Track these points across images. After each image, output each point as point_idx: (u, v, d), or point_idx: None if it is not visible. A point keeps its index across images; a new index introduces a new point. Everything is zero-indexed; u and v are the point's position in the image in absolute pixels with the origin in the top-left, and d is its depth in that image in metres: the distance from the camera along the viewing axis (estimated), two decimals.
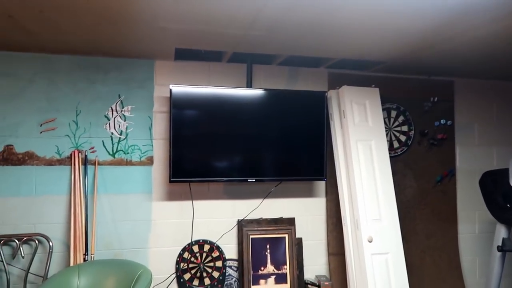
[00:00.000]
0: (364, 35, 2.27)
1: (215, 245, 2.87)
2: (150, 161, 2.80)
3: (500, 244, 2.81)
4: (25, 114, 2.61)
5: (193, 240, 2.84)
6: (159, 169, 2.81)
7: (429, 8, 1.86)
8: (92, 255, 2.59)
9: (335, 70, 3.13)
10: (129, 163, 2.76)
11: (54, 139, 2.65)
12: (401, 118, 3.26)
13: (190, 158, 2.69)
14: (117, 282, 2.34)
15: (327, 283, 2.86)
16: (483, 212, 3.24)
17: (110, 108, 2.75)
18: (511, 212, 2.73)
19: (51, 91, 2.66)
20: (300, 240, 3.00)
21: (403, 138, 3.25)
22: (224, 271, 2.86)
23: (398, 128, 3.25)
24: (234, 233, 2.93)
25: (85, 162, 2.67)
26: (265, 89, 2.81)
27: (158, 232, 2.80)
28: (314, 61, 2.93)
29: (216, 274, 2.84)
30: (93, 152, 2.71)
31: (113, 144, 2.74)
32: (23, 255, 2.51)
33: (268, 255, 2.88)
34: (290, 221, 2.98)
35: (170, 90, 2.61)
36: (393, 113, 3.24)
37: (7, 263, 2.49)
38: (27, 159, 2.61)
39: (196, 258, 2.83)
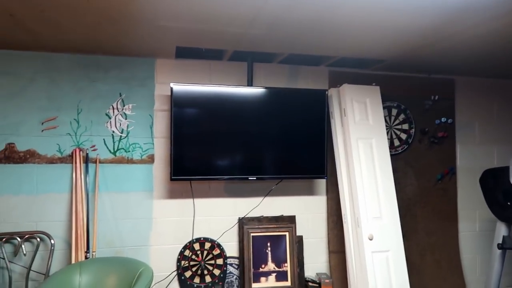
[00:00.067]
0: (364, 33, 2.27)
1: (216, 243, 2.88)
2: (151, 159, 2.80)
3: (500, 242, 2.81)
4: (27, 113, 2.62)
5: (194, 238, 2.85)
6: (160, 168, 2.81)
7: (429, 6, 1.86)
8: (94, 253, 2.61)
9: (336, 68, 3.13)
10: (130, 161, 2.77)
11: (56, 137, 2.66)
12: (401, 116, 3.26)
13: (191, 157, 2.69)
14: (119, 279, 2.35)
15: (327, 280, 2.87)
16: (483, 210, 3.24)
17: (111, 107, 2.76)
18: (511, 210, 2.73)
19: (52, 89, 2.66)
20: (300, 238, 3.01)
21: (403, 136, 3.25)
22: (225, 268, 2.87)
23: (399, 126, 3.25)
24: (235, 231, 2.93)
25: (86, 160, 2.68)
26: (265, 88, 2.81)
27: (159, 230, 2.81)
28: (315, 60, 2.93)
29: (217, 271, 2.85)
30: (94, 150, 2.72)
31: (114, 142, 2.75)
32: (25, 252, 2.52)
33: (269, 253, 2.89)
34: (291, 219, 2.98)
35: (171, 89, 2.62)
36: (394, 111, 3.25)
37: (9, 261, 2.50)
38: (29, 157, 2.62)
39: (197, 256, 2.84)
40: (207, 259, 2.85)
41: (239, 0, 1.80)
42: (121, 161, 2.75)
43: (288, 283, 2.85)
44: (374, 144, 2.84)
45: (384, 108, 3.15)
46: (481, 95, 3.48)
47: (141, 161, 2.79)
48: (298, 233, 3.00)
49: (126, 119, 2.78)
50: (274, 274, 2.86)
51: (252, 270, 2.82)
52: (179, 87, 2.64)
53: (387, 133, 3.17)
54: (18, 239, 2.52)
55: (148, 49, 2.61)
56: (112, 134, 2.75)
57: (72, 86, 2.69)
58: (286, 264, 2.89)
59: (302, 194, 3.07)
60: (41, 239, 2.58)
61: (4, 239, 2.51)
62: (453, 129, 3.37)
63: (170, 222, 2.83)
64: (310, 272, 3.03)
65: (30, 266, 2.53)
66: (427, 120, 3.30)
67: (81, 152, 2.67)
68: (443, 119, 3.32)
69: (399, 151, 3.23)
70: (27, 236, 2.55)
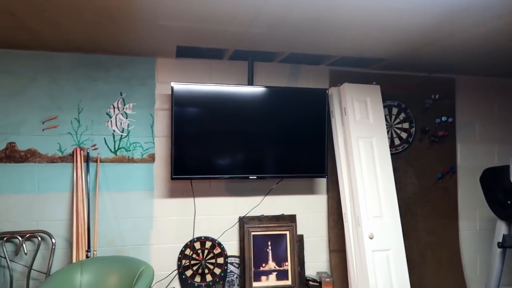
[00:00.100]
0: (365, 32, 2.28)
1: (217, 242, 2.89)
2: (151, 158, 2.81)
3: (500, 240, 2.81)
4: (27, 112, 2.63)
5: (194, 237, 2.86)
6: (160, 167, 2.82)
7: (429, 5, 1.86)
8: (95, 252, 2.61)
9: (336, 67, 3.13)
10: (131, 160, 2.77)
11: (56, 136, 2.66)
12: (402, 115, 3.26)
13: (191, 156, 2.70)
14: (120, 278, 2.35)
15: (328, 279, 2.87)
16: (483, 209, 3.24)
17: (112, 106, 2.76)
18: (511, 209, 2.73)
19: (52, 89, 2.67)
20: (301, 237, 3.01)
21: (404, 135, 3.25)
22: (225, 267, 2.88)
23: (399, 125, 3.25)
24: (235, 230, 2.94)
25: (87, 159, 2.69)
26: (266, 87, 2.81)
27: (160, 229, 2.81)
28: (315, 59, 2.93)
29: (217, 270, 2.85)
30: (95, 149, 2.72)
31: (115, 141, 2.75)
32: (26, 251, 2.53)
33: (270, 252, 2.89)
34: (291, 218, 2.99)
35: (172, 88, 2.62)
36: (394, 110, 3.25)
37: (10, 260, 2.51)
38: (30, 156, 2.62)
39: (197, 254, 2.84)
40: (207, 258, 2.86)
41: None
42: (121, 160, 2.76)
43: (289, 282, 2.86)
44: (374, 143, 2.84)
45: (384, 107, 3.15)
46: (481, 94, 3.48)
47: (142, 160, 2.79)
48: (298, 232, 3.00)
49: (126, 118, 2.78)
50: (274, 273, 2.86)
51: (252, 269, 2.83)
52: (180, 86, 2.64)
53: (388, 132, 3.17)
54: (19, 238, 2.53)
55: (149, 48, 2.61)
56: (113, 133, 2.76)
57: (73, 85, 2.70)
58: (286, 263, 2.89)
59: (303, 193, 3.07)
60: (42, 238, 2.59)
61: (5, 238, 2.52)
62: (453, 128, 3.37)
63: (171, 221, 2.83)
64: (310, 271, 3.03)
65: (31, 265, 2.53)
66: (428, 119, 3.30)
67: (82, 151, 2.68)
68: (443, 118, 3.32)
69: (400, 150, 3.24)
70: (28, 235, 2.56)
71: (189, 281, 2.80)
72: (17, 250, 2.55)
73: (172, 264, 2.82)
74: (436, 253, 3.25)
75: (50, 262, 2.53)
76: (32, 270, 2.53)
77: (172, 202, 2.84)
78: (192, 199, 2.86)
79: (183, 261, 2.82)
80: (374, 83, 3.00)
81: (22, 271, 2.56)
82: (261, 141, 2.81)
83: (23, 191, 2.61)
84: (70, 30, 2.24)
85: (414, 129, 3.27)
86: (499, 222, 2.85)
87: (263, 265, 2.86)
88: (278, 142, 2.83)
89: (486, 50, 2.62)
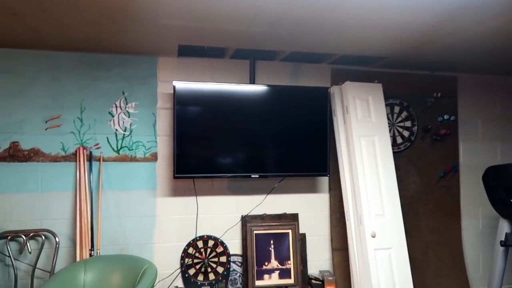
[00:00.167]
0: (365, 31, 2.27)
1: (219, 240, 2.89)
2: (154, 157, 2.81)
3: (503, 239, 2.81)
4: (30, 111, 2.64)
5: (197, 235, 2.87)
6: (163, 165, 2.83)
7: (428, 3, 1.86)
8: (98, 251, 2.62)
9: (338, 66, 3.13)
10: (133, 159, 2.78)
11: (59, 135, 2.67)
12: (404, 114, 3.25)
13: (194, 154, 2.70)
14: (123, 277, 2.37)
15: (330, 278, 2.87)
16: (486, 208, 3.24)
17: (114, 105, 2.77)
18: None
19: (55, 88, 2.67)
20: (303, 236, 3.02)
21: (406, 133, 3.25)
22: (228, 266, 2.88)
23: (401, 124, 3.25)
24: (238, 228, 2.95)
25: (90, 158, 2.70)
26: (268, 85, 2.81)
27: (162, 228, 2.82)
28: (317, 57, 2.93)
29: (220, 269, 2.86)
30: (97, 148, 2.73)
31: (117, 140, 2.76)
32: (30, 250, 2.54)
33: (272, 250, 2.90)
34: (294, 217, 2.99)
35: (174, 87, 2.62)
36: (396, 109, 3.24)
37: (14, 259, 2.52)
38: (33, 155, 2.63)
39: (200, 253, 2.85)
40: (210, 256, 2.87)
41: None
42: (124, 159, 2.77)
43: (291, 281, 2.86)
44: (376, 141, 2.84)
45: (386, 105, 3.15)
46: (484, 92, 3.47)
47: (144, 159, 2.80)
48: (301, 231, 3.00)
49: (129, 117, 2.79)
50: (277, 272, 2.87)
51: (255, 267, 2.83)
52: (182, 85, 2.64)
53: (390, 130, 3.17)
54: (23, 237, 2.54)
55: (150, 47, 2.62)
56: (115, 132, 2.76)
57: (75, 85, 2.70)
58: (289, 262, 2.90)
59: (305, 192, 3.07)
60: (46, 237, 2.60)
61: (9, 237, 2.53)
62: (455, 126, 3.36)
63: (174, 220, 2.84)
64: (313, 269, 3.04)
65: (35, 264, 2.55)
66: (430, 118, 3.29)
67: (84, 150, 2.69)
68: (445, 117, 3.31)
69: (402, 149, 3.23)
70: (32, 234, 2.57)
71: (192, 280, 2.81)
72: (21, 249, 2.56)
73: (175, 263, 2.83)
74: (439, 251, 3.24)
75: (54, 260, 2.55)
76: (36, 269, 2.55)
77: (174, 201, 2.85)
78: (194, 198, 2.87)
79: (186, 260, 2.83)
80: (376, 81, 3.00)
81: (26, 270, 2.58)
82: (263, 139, 2.81)
83: (26, 190, 2.62)
84: (71, 30, 2.25)
85: (416, 127, 3.26)
86: (502, 221, 2.84)
87: (266, 263, 2.87)
88: (280, 140, 2.83)
89: (487, 48, 2.61)
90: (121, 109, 2.78)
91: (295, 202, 3.04)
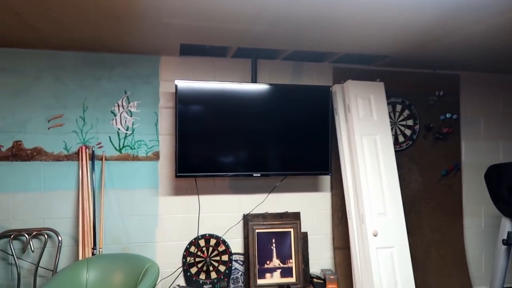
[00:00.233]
0: (365, 29, 2.27)
1: (221, 239, 2.90)
2: (156, 156, 2.82)
3: (505, 237, 2.80)
4: (33, 111, 2.65)
5: (199, 234, 2.87)
6: (165, 164, 2.83)
7: (428, 1, 1.86)
8: (100, 249, 2.63)
9: (340, 64, 3.12)
10: (135, 158, 2.79)
11: (62, 135, 2.68)
12: (406, 112, 3.25)
13: (195, 153, 2.71)
14: (125, 275, 2.37)
15: (332, 277, 2.88)
16: (488, 206, 3.24)
17: (116, 104, 2.77)
18: None
19: (57, 87, 2.68)
20: (305, 234, 3.02)
21: (408, 132, 3.24)
22: (230, 265, 2.89)
23: (403, 122, 3.24)
24: (240, 227, 2.95)
25: (92, 157, 2.70)
26: (270, 84, 2.81)
27: (164, 226, 2.83)
28: (319, 56, 2.93)
29: (222, 268, 2.87)
30: (100, 147, 2.74)
31: (119, 139, 2.77)
32: (33, 249, 2.55)
33: (274, 249, 2.90)
34: (296, 216, 3.00)
35: (176, 86, 2.63)
36: (398, 107, 3.24)
37: (17, 257, 2.54)
38: (36, 154, 2.64)
39: (202, 252, 2.86)
40: (212, 255, 2.87)
41: None
42: (126, 158, 2.77)
43: (293, 279, 2.87)
44: (378, 140, 2.84)
45: (388, 104, 3.14)
46: (486, 90, 3.46)
47: (147, 158, 2.80)
48: (302, 230, 3.01)
49: (131, 116, 2.80)
50: (279, 270, 2.87)
51: (257, 266, 2.84)
52: (184, 84, 2.64)
53: (392, 129, 3.16)
54: (26, 236, 2.56)
55: (153, 46, 2.62)
56: (118, 132, 2.77)
57: (78, 84, 2.71)
58: (291, 261, 2.90)
59: (307, 191, 3.08)
60: (48, 235, 2.61)
61: (12, 236, 2.54)
62: (458, 124, 3.35)
63: (176, 218, 2.85)
64: (315, 268, 3.04)
65: (38, 262, 2.56)
66: (432, 116, 3.29)
67: (87, 149, 2.70)
68: (448, 115, 3.30)
69: (404, 147, 3.23)
70: (35, 233, 2.58)
71: (194, 279, 2.82)
72: (24, 248, 2.57)
73: (177, 262, 2.84)
74: (441, 250, 3.24)
75: (57, 259, 2.56)
76: (39, 268, 2.56)
77: (176, 199, 2.85)
78: (196, 196, 2.87)
79: (188, 259, 2.83)
80: (378, 80, 2.99)
81: (29, 268, 2.59)
82: (265, 138, 2.81)
83: (29, 189, 2.63)
84: (74, 29, 2.25)
85: (418, 126, 3.26)
86: (504, 219, 2.84)
87: (268, 262, 2.87)
88: (281, 139, 2.83)
89: (488, 47, 2.61)
90: (123, 108, 2.78)
91: (297, 201, 3.05)
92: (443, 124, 3.31)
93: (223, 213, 2.92)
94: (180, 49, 2.69)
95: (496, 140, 3.47)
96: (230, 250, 2.91)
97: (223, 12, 2.00)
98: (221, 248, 2.89)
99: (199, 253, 2.86)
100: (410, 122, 3.25)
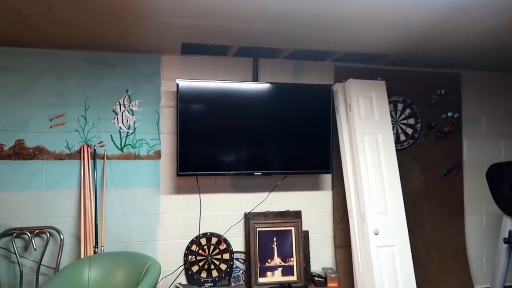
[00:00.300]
0: (366, 28, 2.27)
1: (223, 237, 2.91)
2: (157, 155, 2.83)
3: (506, 236, 2.80)
4: (35, 110, 2.65)
5: (200, 233, 2.88)
6: (166, 163, 2.84)
7: (427, 1, 1.86)
8: (102, 248, 2.64)
9: (341, 63, 3.12)
10: (137, 157, 2.80)
11: (64, 133, 2.69)
12: (407, 111, 3.25)
13: (197, 152, 2.71)
14: (127, 274, 2.38)
15: (333, 275, 2.88)
16: (490, 205, 3.23)
17: (118, 103, 2.78)
18: None
19: (59, 86, 2.69)
20: (306, 233, 3.02)
21: (409, 131, 3.24)
22: (231, 263, 2.90)
23: (405, 121, 3.24)
24: (241, 226, 2.96)
25: (94, 156, 2.71)
26: (271, 83, 2.81)
27: (166, 225, 2.84)
28: (320, 55, 2.93)
29: (223, 266, 2.87)
30: (101, 146, 2.74)
31: (121, 138, 2.78)
32: (35, 247, 2.57)
33: (275, 247, 2.91)
34: (297, 214, 3.00)
35: (177, 85, 2.63)
36: (400, 106, 3.24)
37: (19, 255, 2.55)
38: (38, 153, 2.65)
39: (203, 250, 2.87)
40: (213, 253, 2.88)
41: None
42: (128, 157, 2.78)
43: (294, 278, 2.87)
44: (379, 139, 2.84)
45: (389, 102, 3.14)
46: (488, 89, 3.45)
47: (148, 157, 2.81)
48: (304, 228, 3.01)
49: (132, 115, 2.80)
50: (280, 269, 2.88)
51: (258, 264, 2.85)
52: (185, 83, 2.65)
53: (393, 128, 3.16)
54: (28, 234, 2.57)
55: (154, 45, 2.63)
56: (119, 130, 2.78)
57: (80, 83, 2.72)
58: (292, 259, 2.90)
59: (308, 189, 3.08)
60: (50, 234, 2.62)
61: (14, 234, 2.55)
62: (459, 123, 3.35)
63: (177, 217, 2.86)
64: (316, 266, 3.05)
65: (40, 260, 2.57)
66: (433, 115, 3.28)
67: (89, 148, 2.70)
68: (449, 114, 3.30)
69: (405, 146, 3.23)
70: (37, 231, 2.59)
71: (196, 277, 2.83)
72: (26, 246, 2.59)
73: (178, 260, 2.85)
74: (442, 249, 3.24)
75: (59, 257, 2.57)
76: (41, 266, 2.57)
77: (178, 198, 2.86)
78: (197, 195, 2.88)
79: (190, 257, 2.84)
80: (379, 78, 2.99)
81: (32, 267, 2.61)
82: (266, 137, 2.82)
83: (31, 188, 2.64)
84: (76, 28, 2.26)
85: (419, 124, 3.25)
86: (505, 218, 2.84)
87: (269, 260, 2.88)
88: (283, 138, 2.84)
89: (487, 46, 2.61)
90: (125, 107, 2.79)
91: (298, 200, 3.05)
92: (445, 122, 3.30)
93: (225, 211, 2.93)
94: (181, 48, 2.69)
95: (497, 139, 3.47)
96: (231, 248, 2.91)
97: (224, 10, 2.00)
98: (223, 246, 2.90)
99: (200, 251, 2.86)
100: (411, 121, 3.25)
